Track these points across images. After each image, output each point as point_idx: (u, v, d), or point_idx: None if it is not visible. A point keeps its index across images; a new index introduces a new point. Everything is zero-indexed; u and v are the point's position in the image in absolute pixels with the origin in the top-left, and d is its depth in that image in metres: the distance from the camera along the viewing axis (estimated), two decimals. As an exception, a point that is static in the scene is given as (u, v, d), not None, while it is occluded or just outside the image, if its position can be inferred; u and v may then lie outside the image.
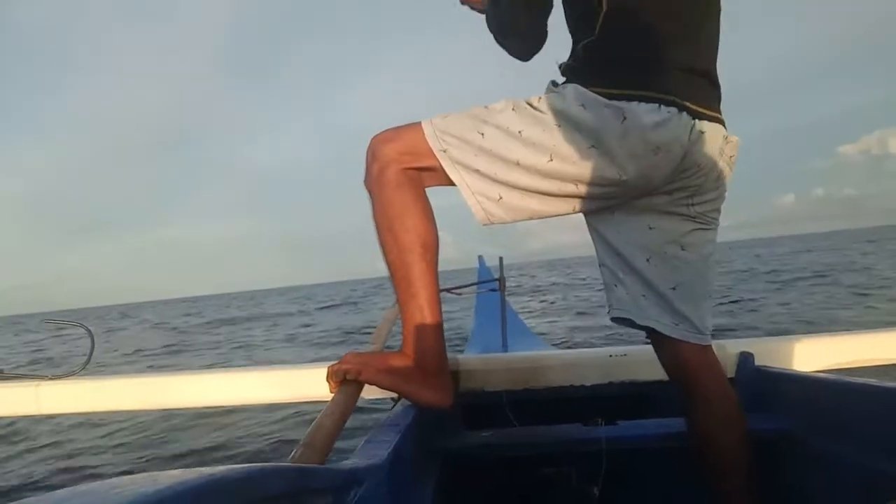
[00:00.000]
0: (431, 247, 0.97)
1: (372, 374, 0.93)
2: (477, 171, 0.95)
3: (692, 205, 0.95)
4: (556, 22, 1.06)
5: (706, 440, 0.97)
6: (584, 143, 0.90)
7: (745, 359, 1.24)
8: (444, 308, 1.01)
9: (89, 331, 1.45)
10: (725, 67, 0.96)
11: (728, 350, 1.26)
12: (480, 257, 3.99)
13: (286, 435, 3.81)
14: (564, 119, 0.92)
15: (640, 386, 1.30)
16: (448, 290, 2.25)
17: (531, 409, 1.28)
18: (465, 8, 1.15)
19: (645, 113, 0.87)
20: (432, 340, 0.97)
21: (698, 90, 0.91)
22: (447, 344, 1.01)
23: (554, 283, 20.68)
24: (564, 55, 1.03)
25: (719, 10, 0.95)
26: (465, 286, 2.48)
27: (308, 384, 1.31)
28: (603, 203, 0.98)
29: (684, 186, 0.94)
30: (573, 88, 0.92)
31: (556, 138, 0.92)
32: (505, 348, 2.62)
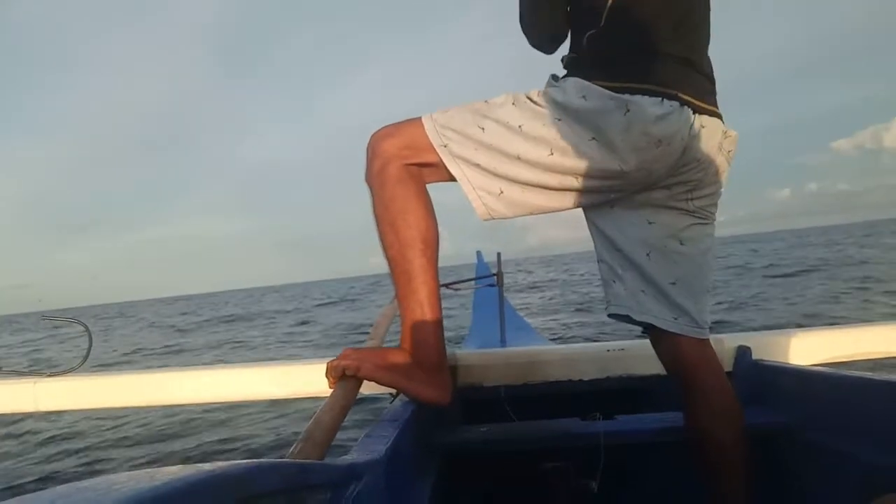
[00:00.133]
0: (432, 243, 0.97)
1: (371, 370, 0.92)
2: (478, 165, 0.95)
3: (691, 199, 0.95)
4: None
5: (704, 434, 0.97)
6: (584, 135, 0.90)
7: (743, 353, 1.25)
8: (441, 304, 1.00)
9: (87, 328, 1.45)
10: (719, 61, 0.96)
11: (725, 344, 1.27)
12: (479, 252, 3.97)
13: (285, 430, 3.81)
14: (565, 112, 0.92)
15: (638, 380, 1.31)
16: (446, 286, 2.25)
17: (529, 404, 1.29)
18: None
19: (649, 106, 0.87)
20: (432, 336, 0.97)
21: (698, 85, 0.92)
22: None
23: (552, 280, 20.71)
24: (564, 51, 1.03)
25: (709, 7, 0.96)
26: (463, 281, 2.48)
27: (307, 380, 1.31)
28: (603, 197, 0.98)
29: (684, 181, 0.94)
30: (574, 81, 0.93)
31: (556, 132, 0.92)
32: (503, 343, 2.61)
